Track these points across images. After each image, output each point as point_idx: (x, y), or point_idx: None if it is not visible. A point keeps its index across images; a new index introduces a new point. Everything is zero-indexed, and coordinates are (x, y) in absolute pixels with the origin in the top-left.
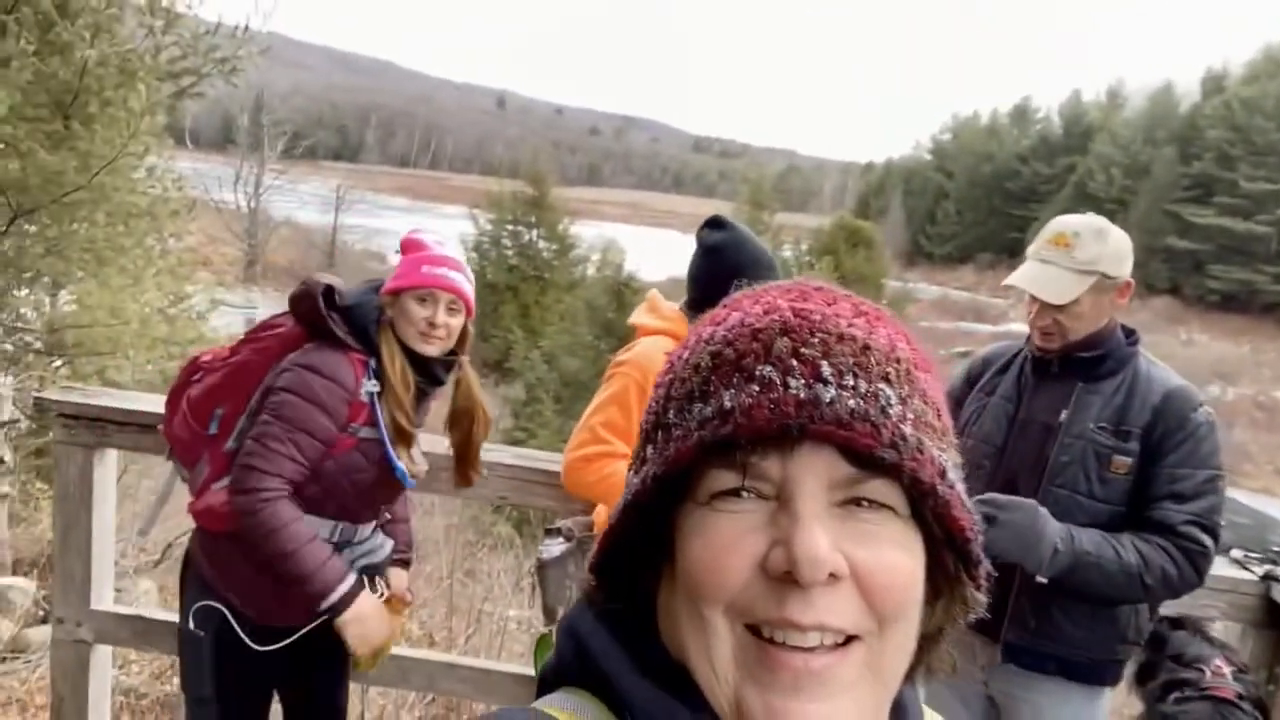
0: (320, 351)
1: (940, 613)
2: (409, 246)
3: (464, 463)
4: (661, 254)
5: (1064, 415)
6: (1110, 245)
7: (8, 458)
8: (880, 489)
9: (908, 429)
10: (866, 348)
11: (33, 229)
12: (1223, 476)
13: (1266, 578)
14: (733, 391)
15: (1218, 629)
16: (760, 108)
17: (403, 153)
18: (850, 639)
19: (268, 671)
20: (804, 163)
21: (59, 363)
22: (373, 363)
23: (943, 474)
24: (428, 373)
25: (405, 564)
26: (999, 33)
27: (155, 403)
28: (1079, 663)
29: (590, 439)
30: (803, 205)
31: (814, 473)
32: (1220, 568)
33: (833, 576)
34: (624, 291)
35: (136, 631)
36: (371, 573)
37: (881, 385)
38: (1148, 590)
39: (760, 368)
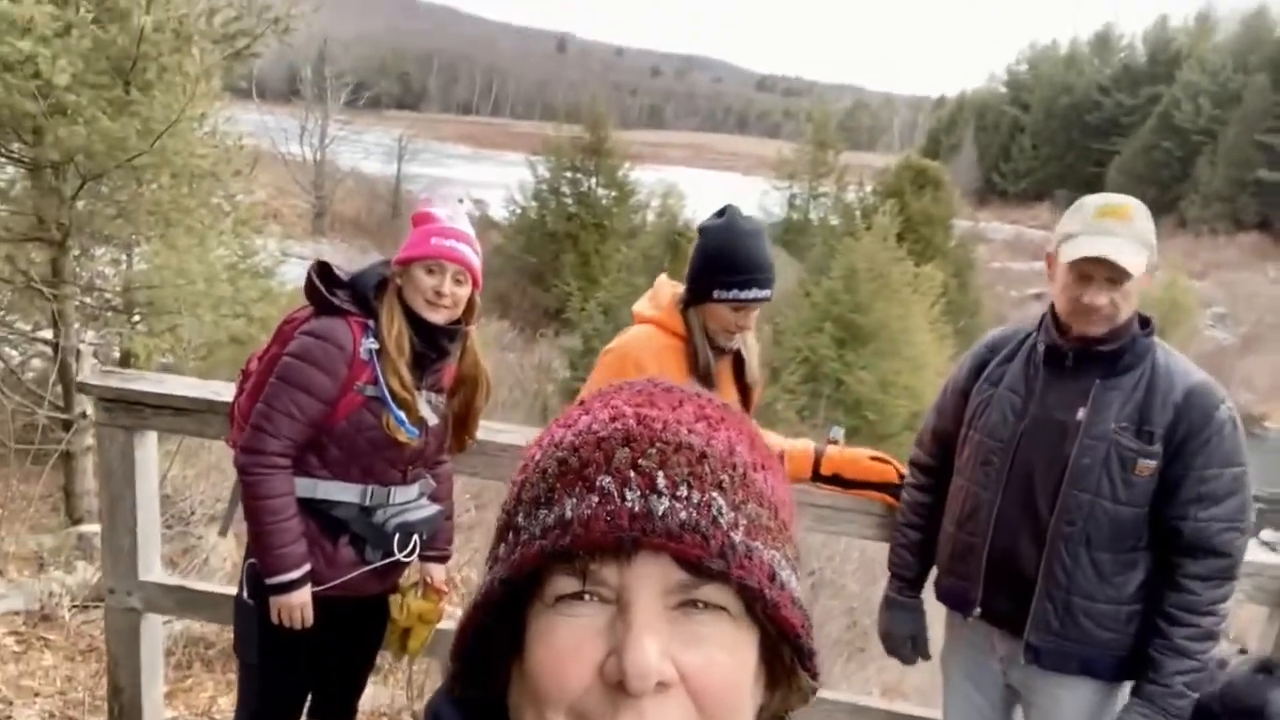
0: (319, 319)
1: (778, 701)
2: (420, 219)
3: (461, 428)
4: (724, 198)
5: (1082, 414)
6: (1151, 223)
7: (90, 411)
8: (713, 592)
9: (738, 536)
10: (703, 456)
11: (105, 190)
12: (1247, 471)
13: None
14: (574, 501)
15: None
16: (825, 43)
17: (464, 99)
18: None
19: (309, 643)
20: (872, 99)
21: (136, 319)
22: (372, 324)
23: (772, 577)
24: (432, 340)
25: (443, 559)
26: None
27: (189, 386)
28: (1103, 661)
29: None
30: (870, 143)
31: (649, 580)
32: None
33: (662, 685)
34: (679, 241)
35: (180, 601)
36: (409, 530)
37: (714, 494)
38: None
39: (600, 478)
